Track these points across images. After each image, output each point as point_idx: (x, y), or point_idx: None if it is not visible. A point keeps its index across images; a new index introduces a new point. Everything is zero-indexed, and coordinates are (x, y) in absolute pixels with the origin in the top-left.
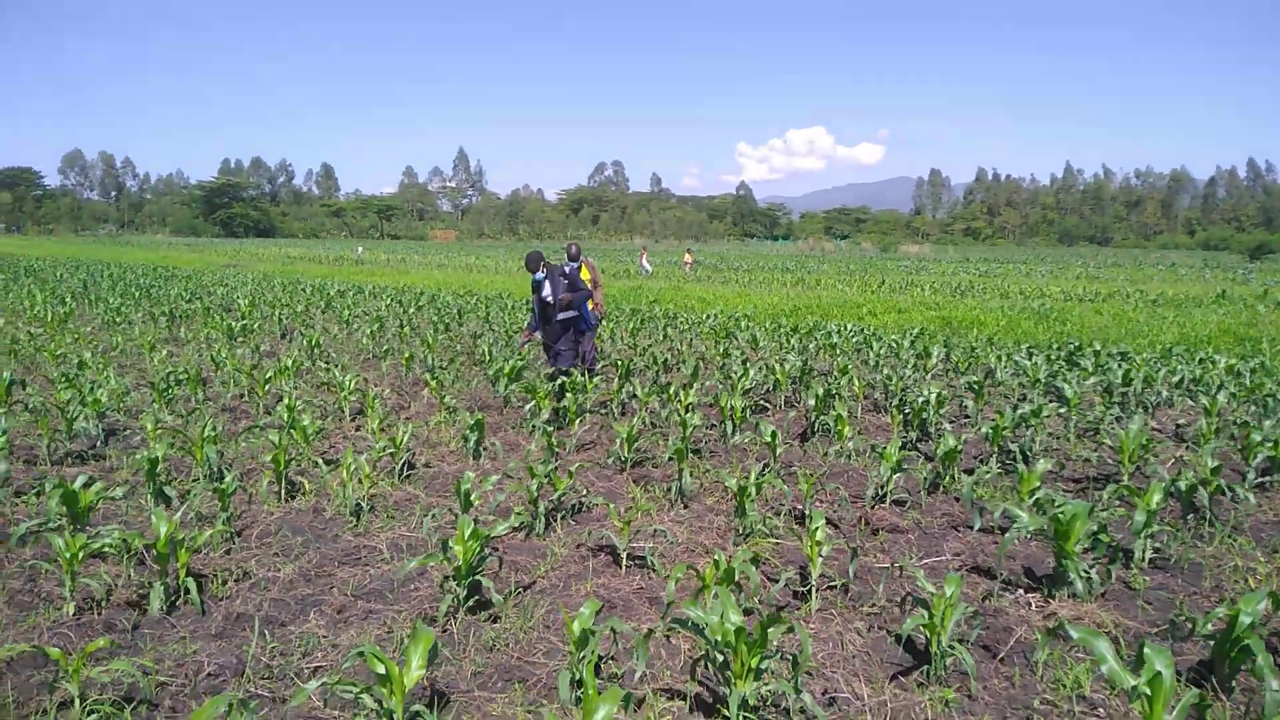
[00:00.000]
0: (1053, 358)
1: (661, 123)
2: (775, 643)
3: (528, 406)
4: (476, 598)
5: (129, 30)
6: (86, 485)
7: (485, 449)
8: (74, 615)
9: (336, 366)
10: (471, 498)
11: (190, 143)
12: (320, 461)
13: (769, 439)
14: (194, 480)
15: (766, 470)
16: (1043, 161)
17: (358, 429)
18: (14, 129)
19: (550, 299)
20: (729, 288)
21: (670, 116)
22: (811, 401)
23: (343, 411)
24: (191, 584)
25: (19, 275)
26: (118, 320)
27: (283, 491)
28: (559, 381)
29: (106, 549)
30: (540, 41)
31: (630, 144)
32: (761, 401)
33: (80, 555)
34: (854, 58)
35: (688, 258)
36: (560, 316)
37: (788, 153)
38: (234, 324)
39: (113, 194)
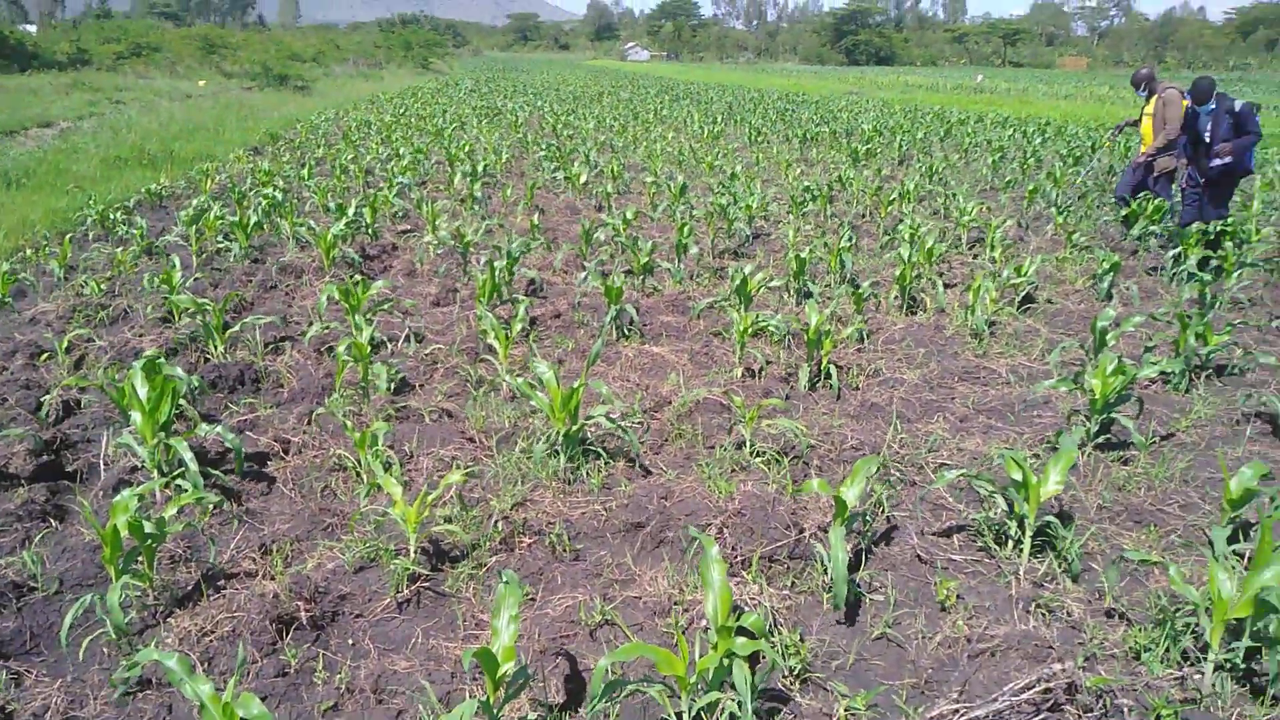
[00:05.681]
0: None
1: None
2: None
3: (1170, 253)
4: (1106, 437)
5: None
6: (752, 274)
7: (1118, 291)
8: (740, 378)
9: (956, 193)
10: (1107, 337)
11: None
12: (939, 282)
13: None
14: (826, 285)
15: None
16: None
17: (975, 257)
18: None
19: (1209, 139)
20: None
21: None
22: None
23: (960, 238)
24: (833, 370)
25: (679, 97)
26: (758, 139)
27: (905, 305)
28: (1214, 228)
29: (770, 328)
30: None
31: None
32: None
33: (749, 330)
34: None
35: None
36: (1215, 164)
37: None
38: (858, 148)
39: (754, 22)
